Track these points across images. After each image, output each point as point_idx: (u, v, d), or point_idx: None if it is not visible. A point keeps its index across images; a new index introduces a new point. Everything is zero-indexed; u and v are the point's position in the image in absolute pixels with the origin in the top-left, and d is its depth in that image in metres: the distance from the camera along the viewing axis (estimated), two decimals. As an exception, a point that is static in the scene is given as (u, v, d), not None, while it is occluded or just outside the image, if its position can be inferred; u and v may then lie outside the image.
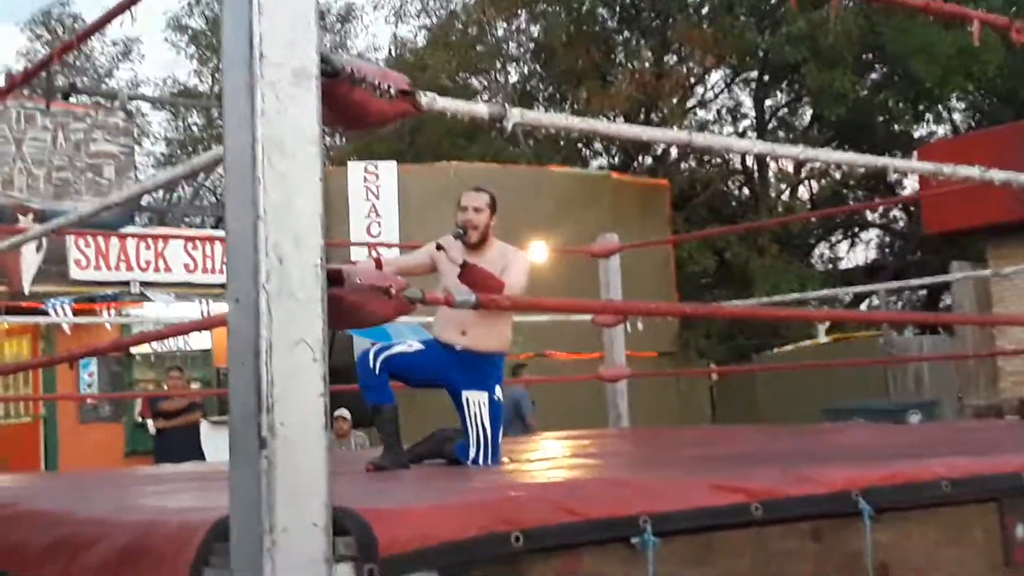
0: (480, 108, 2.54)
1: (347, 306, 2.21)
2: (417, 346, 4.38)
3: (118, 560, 2.08)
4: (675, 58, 22.16)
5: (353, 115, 2.21)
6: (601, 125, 2.91)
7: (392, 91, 2.22)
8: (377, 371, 4.20)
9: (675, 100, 21.25)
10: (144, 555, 2.01)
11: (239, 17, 1.86)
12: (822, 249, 26.11)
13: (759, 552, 2.31)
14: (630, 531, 2.12)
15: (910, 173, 9.69)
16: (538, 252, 9.17)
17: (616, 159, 23.23)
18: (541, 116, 2.57)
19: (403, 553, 1.87)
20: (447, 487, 3.11)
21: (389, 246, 12.11)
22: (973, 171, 3.30)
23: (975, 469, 2.73)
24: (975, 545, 2.67)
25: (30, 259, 12.49)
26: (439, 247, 4.29)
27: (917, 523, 2.58)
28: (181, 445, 10.04)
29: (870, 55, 21.48)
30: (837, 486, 2.45)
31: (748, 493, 2.30)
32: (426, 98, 2.33)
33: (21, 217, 12.65)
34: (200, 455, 10.24)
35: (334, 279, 2.12)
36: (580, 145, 22.89)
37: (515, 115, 2.53)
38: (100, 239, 13.08)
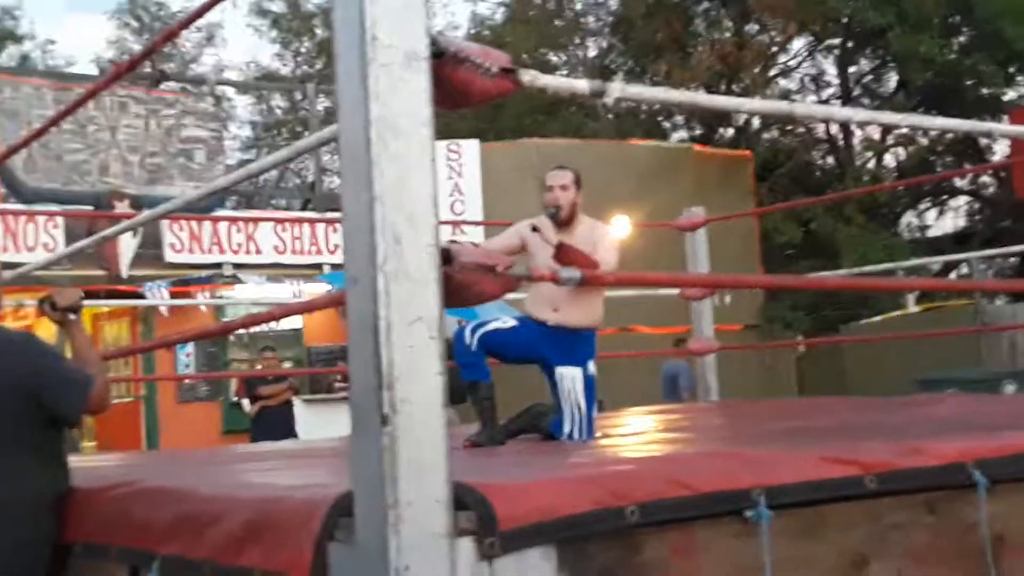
0: (581, 84, 2.56)
1: (456, 285, 2.23)
2: (512, 322, 4.40)
3: (242, 535, 2.14)
4: (756, 27, 21.78)
5: (458, 94, 2.23)
6: (703, 98, 2.89)
7: (494, 69, 2.24)
8: (474, 348, 4.24)
9: (756, 70, 20.90)
10: (268, 530, 2.07)
11: (351, 1, 1.88)
12: (909, 218, 25.51)
13: (873, 525, 2.30)
14: (743, 505, 2.12)
15: (1009, 137, 9.43)
16: (622, 227, 9.09)
17: (697, 131, 22.96)
18: (642, 90, 2.58)
19: (521, 527, 1.89)
20: (554, 463, 3.13)
21: (474, 224, 12.14)
22: (1082, 134, 3.21)
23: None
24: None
25: (127, 244, 12.83)
26: (534, 228, 4.30)
27: (1031, 494, 2.54)
28: (276, 423, 10.32)
29: (957, 17, 20.88)
30: (950, 457, 2.42)
31: (861, 465, 2.28)
32: (527, 75, 2.34)
33: (117, 203, 12.97)
34: (294, 433, 10.50)
35: (444, 258, 2.15)
36: (660, 118, 22.66)
37: (615, 90, 2.54)
38: (193, 223, 13.37)
